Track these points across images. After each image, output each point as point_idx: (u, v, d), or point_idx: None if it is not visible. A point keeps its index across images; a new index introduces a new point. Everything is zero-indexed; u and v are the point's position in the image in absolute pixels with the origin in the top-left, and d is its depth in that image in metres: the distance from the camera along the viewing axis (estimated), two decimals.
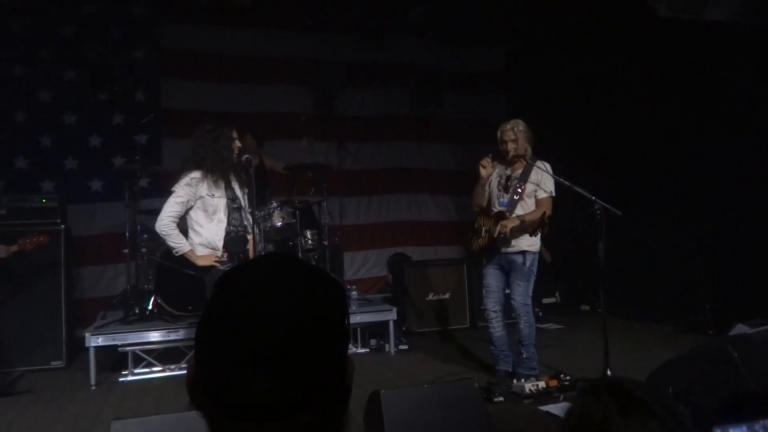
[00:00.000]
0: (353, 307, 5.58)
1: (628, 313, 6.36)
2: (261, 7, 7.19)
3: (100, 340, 4.78)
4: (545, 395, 3.98)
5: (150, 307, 5.32)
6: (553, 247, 6.12)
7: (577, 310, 7.18)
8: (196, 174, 4.00)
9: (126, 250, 5.66)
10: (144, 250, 5.47)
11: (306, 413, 0.71)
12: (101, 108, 6.56)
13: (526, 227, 4.11)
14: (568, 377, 4.11)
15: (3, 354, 4.94)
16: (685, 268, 6.18)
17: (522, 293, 4.31)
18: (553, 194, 4.32)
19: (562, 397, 3.96)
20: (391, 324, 5.56)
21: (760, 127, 5.53)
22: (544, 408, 3.81)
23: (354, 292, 5.98)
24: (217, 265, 4.02)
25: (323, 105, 7.45)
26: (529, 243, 4.25)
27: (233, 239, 4.15)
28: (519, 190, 4.31)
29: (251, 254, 4.23)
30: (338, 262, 6.57)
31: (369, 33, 7.48)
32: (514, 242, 4.26)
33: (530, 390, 3.97)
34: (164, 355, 5.06)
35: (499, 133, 4.41)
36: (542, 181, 4.30)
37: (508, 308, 4.48)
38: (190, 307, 5.25)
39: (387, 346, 5.60)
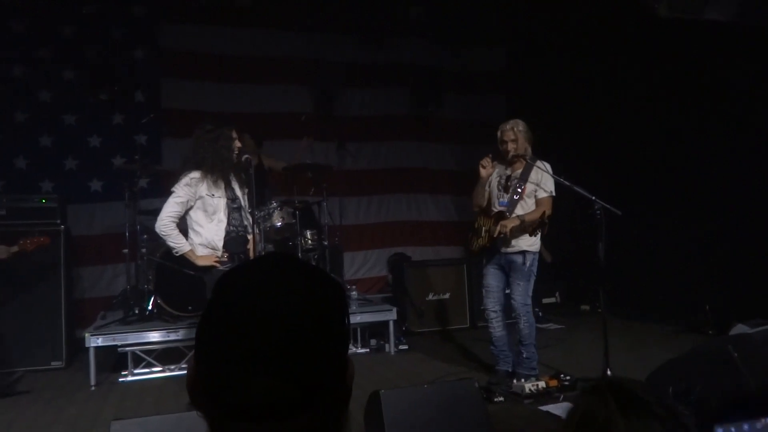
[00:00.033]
0: (353, 307, 5.58)
1: (628, 313, 6.36)
2: (261, 7, 7.19)
3: (99, 341, 4.78)
4: (545, 395, 3.98)
5: (150, 307, 5.32)
6: (553, 247, 6.13)
7: (577, 310, 7.18)
8: (195, 174, 4.00)
9: (126, 251, 5.66)
10: (144, 250, 5.47)
11: (306, 413, 0.70)
12: (101, 108, 6.56)
13: (526, 227, 4.11)
14: (568, 377, 4.11)
15: (3, 354, 4.94)
16: (685, 268, 6.17)
17: (522, 293, 4.31)
18: (553, 194, 4.32)
19: (562, 397, 3.95)
20: (391, 324, 5.56)
21: (760, 127, 5.53)
22: (544, 408, 3.81)
23: (354, 292, 5.99)
24: (217, 265, 4.02)
25: (323, 105, 7.45)
26: (529, 243, 4.25)
27: (233, 239, 4.15)
28: (519, 190, 4.31)
29: (251, 254, 4.23)
30: (338, 262, 6.57)
31: (369, 33, 7.48)
32: (514, 242, 4.26)
33: (530, 390, 3.97)
34: (164, 355, 5.06)
35: (498, 133, 4.41)
36: (542, 181, 4.29)
37: (508, 308, 4.48)
38: (189, 308, 5.25)
39: (387, 346, 5.60)
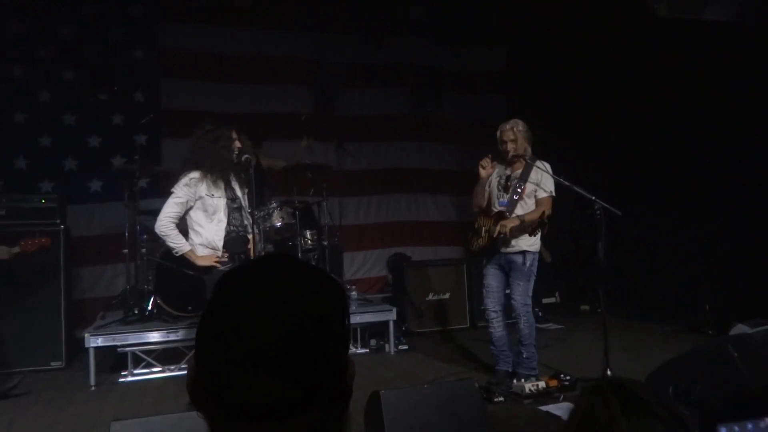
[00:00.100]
0: (353, 308, 5.58)
1: (628, 313, 6.36)
2: (261, 7, 7.19)
3: (99, 341, 4.78)
4: (545, 395, 3.98)
5: (149, 307, 5.32)
6: (553, 247, 6.13)
7: (577, 310, 7.18)
8: (195, 174, 4.00)
9: (125, 251, 5.66)
10: (143, 250, 5.47)
11: (306, 414, 0.70)
12: (101, 108, 6.56)
13: (525, 227, 4.10)
14: (568, 377, 4.11)
15: (2, 355, 4.93)
16: (685, 268, 6.18)
17: (522, 293, 4.31)
18: (553, 194, 4.32)
19: (562, 397, 3.95)
20: (391, 324, 5.56)
21: (760, 127, 5.53)
22: (544, 408, 3.81)
23: (354, 293, 5.98)
24: (218, 265, 4.01)
25: (323, 105, 7.45)
26: (529, 243, 4.25)
27: (234, 239, 4.14)
28: (519, 190, 4.31)
29: (252, 255, 4.22)
30: (338, 263, 6.57)
31: (369, 33, 7.48)
32: (514, 242, 4.26)
33: (530, 390, 3.97)
34: (164, 355, 5.05)
35: (498, 133, 4.41)
36: (542, 181, 4.29)
37: (508, 308, 4.48)
38: (189, 308, 5.25)
39: (387, 346, 5.60)
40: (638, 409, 0.96)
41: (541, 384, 4.02)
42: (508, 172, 4.40)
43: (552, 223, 4.02)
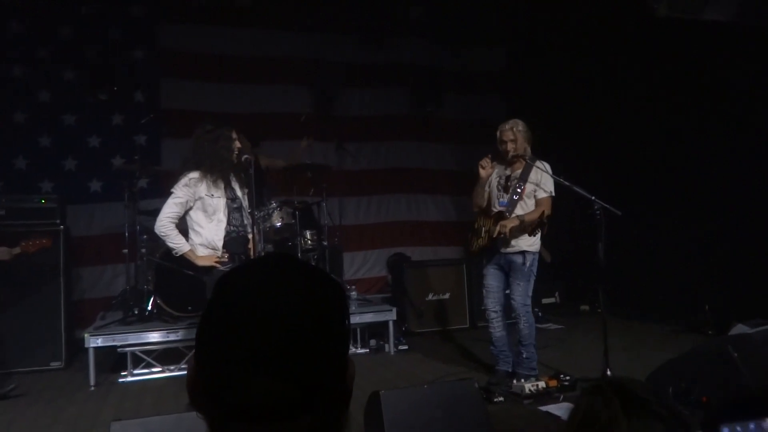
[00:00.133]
0: (353, 308, 5.57)
1: (627, 313, 6.36)
2: (261, 7, 7.19)
3: (99, 341, 4.78)
4: (545, 395, 3.98)
5: (149, 307, 5.32)
6: (552, 247, 6.11)
7: (577, 310, 7.17)
8: (194, 175, 4.00)
9: (125, 251, 5.66)
10: (143, 250, 5.46)
11: (306, 414, 0.70)
12: (101, 108, 6.55)
13: (525, 227, 4.10)
14: (567, 377, 4.11)
15: (2, 355, 4.93)
16: (685, 268, 6.17)
17: (522, 293, 4.31)
18: (553, 194, 4.31)
19: (562, 397, 3.95)
20: (391, 324, 5.56)
21: (760, 127, 5.53)
22: (543, 408, 3.81)
23: (353, 293, 5.98)
24: (218, 265, 4.01)
25: (323, 105, 7.45)
26: (529, 243, 4.25)
27: (234, 239, 4.14)
28: (518, 190, 4.31)
29: (252, 255, 4.22)
30: (338, 263, 6.57)
31: (369, 33, 7.47)
32: (513, 242, 4.26)
33: (530, 390, 3.97)
34: (163, 355, 5.05)
35: (498, 134, 4.41)
36: (542, 181, 4.29)
37: (508, 308, 4.47)
38: (189, 308, 5.25)
39: (387, 346, 5.60)
40: (638, 409, 0.96)
41: (541, 384, 4.02)
42: (507, 172, 4.40)
43: (552, 223, 4.02)
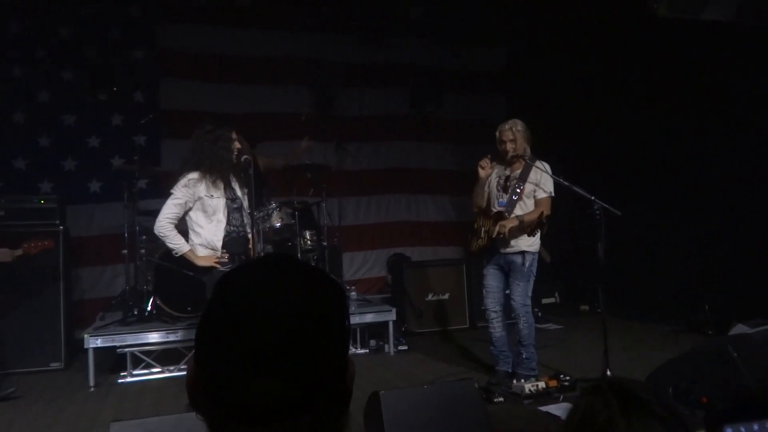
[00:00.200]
0: (353, 308, 5.57)
1: (627, 313, 6.36)
2: (261, 7, 7.19)
3: (99, 342, 4.77)
4: (545, 396, 3.98)
5: (149, 308, 5.32)
6: (552, 247, 6.11)
7: (577, 310, 7.17)
8: (193, 175, 4.00)
9: (125, 251, 5.65)
10: (143, 251, 5.46)
11: (306, 414, 0.70)
12: (100, 108, 6.55)
13: (524, 227, 4.10)
14: (567, 377, 4.11)
15: (2, 356, 4.93)
16: (685, 268, 6.17)
17: (521, 293, 4.31)
18: (552, 194, 4.31)
19: (561, 397, 3.95)
20: (391, 324, 5.56)
21: (760, 127, 5.53)
22: (543, 408, 3.81)
23: (353, 293, 5.98)
24: (217, 266, 4.01)
25: (323, 105, 7.45)
26: (529, 243, 4.25)
27: (234, 239, 4.14)
28: (518, 191, 4.31)
29: (251, 255, 4.22)
30: (337, 263, 6.56)
31: (369, 33, 7.47)
32: (513, 243, 4.26)
33: (530, 390, 3.97)
34: (163, 356, 5.05)
35: (497, 134, 4.41)
36: (541, 181, 4.29)
37: (508, 308, 4.47)
38: (189, 308, 5.25)
39: (386, 346, 5.59)
40: (638, 409, 0.96)
41: (541, 384, 4.02)
42: (507, 172, 4.40)
43: (551, 223, 4.02)
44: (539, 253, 4.38)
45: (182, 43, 6.90)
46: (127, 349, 4.90)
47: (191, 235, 4.08)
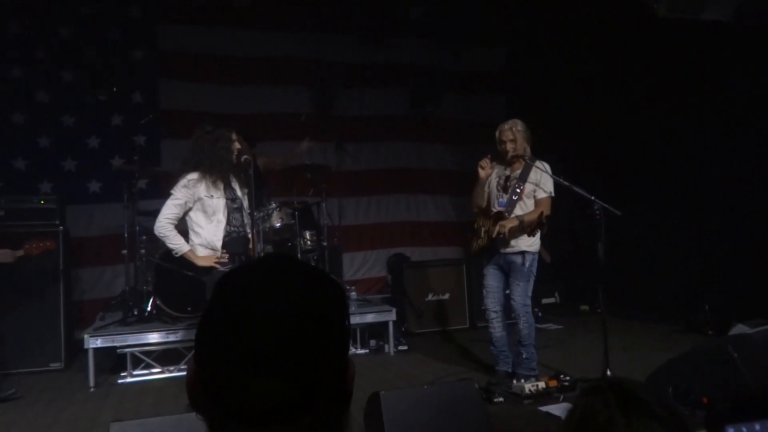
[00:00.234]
0: (353, 308, 5.57)
1: (627, 313, 6.36)
2: (260, 7, 7.18)
3: (98, 342, 4.77)
4: (545, 396, 3.98)
5: (149, 308, 5.32)
6: (552, 247, 6.11)
7: (577, 311, 7.17)
8: (193, 176, 4.00)
9: (125, 252, 5.65)
10: (143, 251, 5.46)
11: (306, 415, 0.70)
12: (100, 109, 6.55)
13: (524, 227, 4.10)
14: (567, 377, 4.11)
15: (2, 356, 4.93)
16: (685, 268, 6.17)
17: (521, 293, 4.30)
18: (552, 194, 4.31)
19: (561, 397, 3.95)
20: (391, 325, 5.56)
21: (760, 127, 5.53)
22: (543, 408, 3.81)
23: (353, 293, 5.98)
24: (217, 266, 4.01)
25: (323, 105, 7.44)
26: (529, 243, 4.25)
27: (234, 240, 4.14)
28: (518, 191, 4.31)
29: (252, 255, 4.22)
30: (337, 263, 6.57)
31: (369, 33, 7.47)
32: (513, 243, 4.25)
33: (530, 390, 3.97)
34: (163, 356, 5.05)
35: (497, 134, 4.40)
36: (541, 181, 4.29)
37: (508, 308, 4.47)
38: (189, 309, 5.24)
39: (386, 347, 5.59)
40: (637, 409, 0.95)
41: (541, 384, 4.02)
42: (507, 172, 4.40)
43: (551, 224, 4.02)
44: (539, 253, 4.37)
45: (182, 43, 6.90)
46: (127, 350, 4.90)
47: (191, 235, 4.08)
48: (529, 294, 4.35)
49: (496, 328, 4.46)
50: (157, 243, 4.76)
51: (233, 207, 4.16)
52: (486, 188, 4.49)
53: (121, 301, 5.73)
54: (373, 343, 5.70)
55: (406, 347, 5.69)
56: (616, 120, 7.01)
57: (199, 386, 0.73)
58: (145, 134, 6.60)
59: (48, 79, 6.41)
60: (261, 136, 6.37)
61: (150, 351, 4.98)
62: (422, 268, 6.60)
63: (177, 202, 4.00)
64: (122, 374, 4.92)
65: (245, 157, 4.15)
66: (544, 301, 7.16)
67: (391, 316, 5.57)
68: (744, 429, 1.22)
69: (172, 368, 4.96)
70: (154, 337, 4.95)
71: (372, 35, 7.50)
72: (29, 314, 5.14)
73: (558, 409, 3.72)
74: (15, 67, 6.29)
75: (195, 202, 4.01)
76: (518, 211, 4.28)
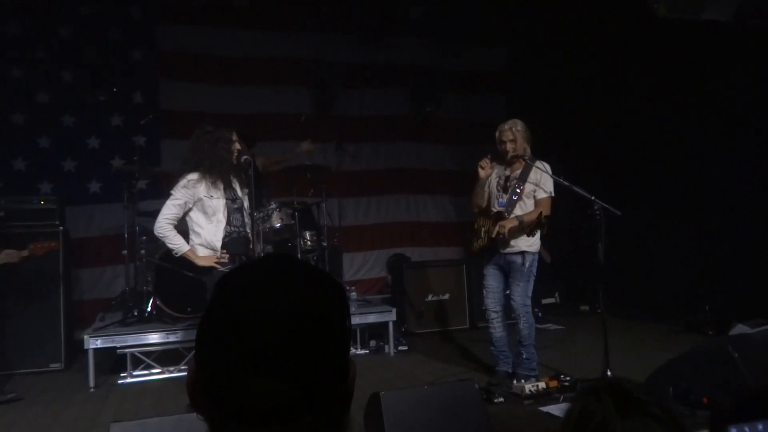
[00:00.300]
0: (353, 309, 5.56)
1: (627, 313, 6.36)
2: (260, 7, 7.18)
3: (98, 342, 4.77)
4: (545, 396, 3.97)
5: (149, 308, 5.32)
6: (552, 247, 6.11)
7: (577, 311, 7.17)
8: (193, 176, 3.99)
9: (125, 252, 5.65)
10: (143, 251, 5.46)
11: (307, 415, 0.70)
12: (100, 109, 6.55)
13: (524, 227, 4.10)
14: (567, 378, 4.10)
15: (2, 356, 4.93)
16: (685, 268, 6.18)
17: (521, 294, 4.30)
18: (552, 194, 4.31)
19: (562, 397, 3.95)
20: (391, 325, 5.55)
21: (760, 127, 5.53)
22: (544, 409, 3.80)
23: (353, 294, 5.98)
24: (218, 266, 4.01)
25: (323, 105, 7.45)
26: (528, 243, 4.24)
27: (234, 240, 4.14)
28: (518, 191, 4.31)
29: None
30: (337, 263, 6.57)
31: (369, 33, 7.47)
32: (513, 243, 4.25)
33: (530, 391, 3.96)
34: (163, 356, 5.05)
35: (497, 134, 4.40)
36: (541, 181, 4.29)
37: (508, 309, 4.47)
38: (189, 309, 5.24)
39: (386, 347, 5.59)
40: (634, 409, 0.95)
41: (541, 385, 4.02)
42: (507, 172, 4.40)
43: (552, 224, 4.02)
44: (539, 253, 4.37)
45: (182, 43, 6.89)
46: (127, 350, 4.90)
47: (191, 235, 4.08)
48: (529, 294, 4.35)
49: (497, 328, 4.46)
50: (157, 243, 4.76)
51: (234, 207, 4.16)
52: (486, 188, 4.49)
53: (121, 302, 5.73)
54: (373, 343, 5.70)
55: (406, 347, 5.69)
56: (616, 120, 7.01)
57: (199, 386, 0.73)
58: (145, 134, 6.58)
59: (48, 79, 6.41)
60: (261, 136, 6.36)
61: (150, 351, 4.98)
62: (422, 269, 6.60)
63: (177, 203, 3.99)
64: (122, 375, 4.92)
65: (245, 157, 4.15)
66: (544, 301, 7.15)
67: (391, 317, 5.57)
68: (747, 429, 1.22)
69: (172, 369, 4.96)
70: (154, 338, 4.94)
71: (372, 35, 7.50)
72: (29, 315, 5.14)
73: (558, 410, 3.72)
74: (15, 67, 6.29)
75: (195, 202, 4.01)
76: (518, 211, 4.28)
